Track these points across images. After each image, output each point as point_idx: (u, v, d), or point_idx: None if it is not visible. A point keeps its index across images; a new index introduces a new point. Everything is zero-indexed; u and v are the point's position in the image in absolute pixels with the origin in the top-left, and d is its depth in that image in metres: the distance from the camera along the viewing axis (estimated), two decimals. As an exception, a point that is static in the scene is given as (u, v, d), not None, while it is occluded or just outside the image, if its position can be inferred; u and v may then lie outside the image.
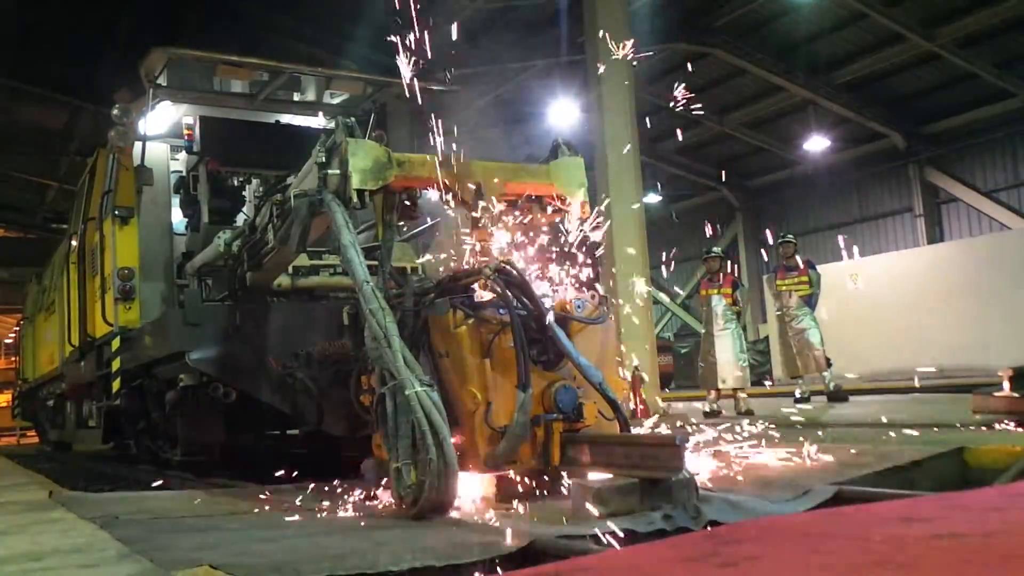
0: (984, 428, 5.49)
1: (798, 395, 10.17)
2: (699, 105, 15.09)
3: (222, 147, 6.87)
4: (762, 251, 21.91)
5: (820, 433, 5.90)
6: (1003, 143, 17.47)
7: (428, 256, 5.79)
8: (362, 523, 3.58)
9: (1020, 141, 17.27)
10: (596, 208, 4.80)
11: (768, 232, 15.72)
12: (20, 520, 3.92)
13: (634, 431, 4.29)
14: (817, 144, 18.14)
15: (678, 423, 7.19)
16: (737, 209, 22.68)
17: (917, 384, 10.67)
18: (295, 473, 4.85)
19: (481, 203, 4.38)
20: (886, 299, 15.38)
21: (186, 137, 6.93)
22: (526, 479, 3.82)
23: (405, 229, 6.73)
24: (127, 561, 2.77)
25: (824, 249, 19.81)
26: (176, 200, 7.26)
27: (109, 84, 7.28)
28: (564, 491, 3.69)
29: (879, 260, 17.02)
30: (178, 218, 7.26)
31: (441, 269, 4.83)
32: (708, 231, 21.95)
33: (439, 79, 7.62)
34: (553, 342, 3.92)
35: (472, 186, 4.44)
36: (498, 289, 3.86)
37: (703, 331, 9.87)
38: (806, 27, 15.03)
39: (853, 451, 4.76)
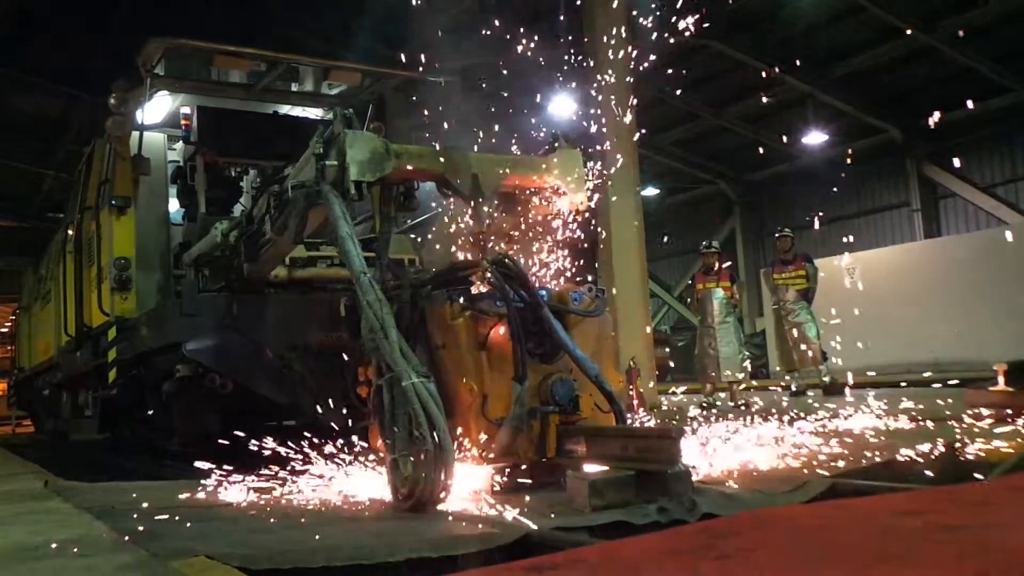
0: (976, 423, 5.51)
1: (794, 388, 10.20)
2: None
3: (219, 137, 6.86)
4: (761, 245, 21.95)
5: (816, 427, 5.91)
6: (1001, 138, 17.45)
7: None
8: (358, 514, 3.58)
9: (1018, 136, 17.25)
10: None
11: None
12: (15, 510, 3.92)
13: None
14: (815, 138, 18.13)
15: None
16: (735, 203, 22.67)
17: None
18: (291, 464, 4.85)
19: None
20: (883, 294, 15.40)
21: (183, 127, 6.92)
22: (522, 471, 3.83)
23: (408, 221, 6.72)
24: (123, 551, 2.77)
25: (821, 243, 19.83)
26: (173, 190, 7.25)
27: (106, 73, 7.24)
28: (560, 483, 3.70)
29: (876, 254, 17.03)
30: (175, 208, 7.25)
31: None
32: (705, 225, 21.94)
33: (436, 70, 7.61)
34: (550, 335, 3.92)
35: (470, 178, 4.44)
36: (495, 281, 3.86)
37: (699, 325, 9.88)
38: (804, 21, 15.01)
39: (849, 444, 4.77)
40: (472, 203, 4.50)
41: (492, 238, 4.56)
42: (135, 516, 3.62)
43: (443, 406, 3.58)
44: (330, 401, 5.12)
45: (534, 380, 3.84)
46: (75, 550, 2.81)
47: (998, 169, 17.76)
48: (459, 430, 3.76)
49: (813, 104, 17.45)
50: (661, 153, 20.69)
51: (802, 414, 6.69)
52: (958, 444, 4.51)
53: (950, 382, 8.73)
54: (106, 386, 6.82)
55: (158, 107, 7.20)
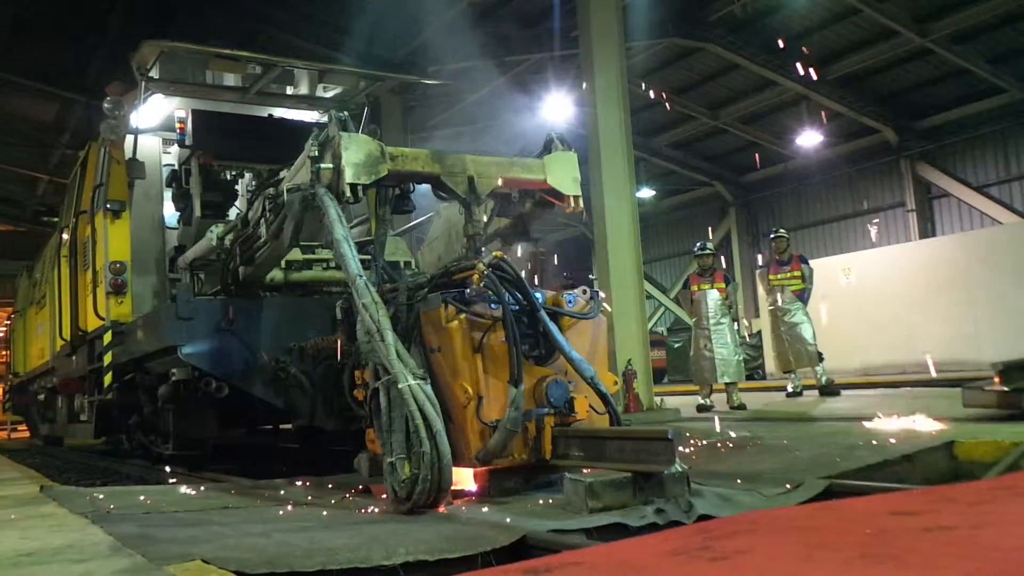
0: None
1: (790, 389, 10.20)
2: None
3: (214, 140, 6.85)
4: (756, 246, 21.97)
5: (811, 427, 5.92)
6: (995, 138, 17.52)
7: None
8: (355, 517, 3.58)
9: (1012, 136, 17.32)
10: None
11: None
12: (10, 515, 3.91)
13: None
14: (810, 139, 18.15)
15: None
16: (731, 204, 22.72)
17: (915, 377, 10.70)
18: (287, 467, 4.85)
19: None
20: (878, 294, 15.42)
21: (178, 130, 6.91)
22: (518, 473, 3.83)
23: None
24: (119, 556, 2.77)
25: (817, 244, 19.88)
26: (168, 194, 7.24)
27: (101, 77, 7.24)
28: (556, 485, 3.70)
29: (871, 255, 17.07)
30: (170, 212, 7.24)
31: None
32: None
33: (432, 74, 7.62)
34: (545, 337, 3.92)
35: (465, 180, 4.44)
36: (491, 284, 3.86)
37: (694, 327, 9.88)
38: (799, 22, 15.06)
39: (844, 445, 4.77)
40: (467, 205, 4.50)
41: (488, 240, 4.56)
42: (131, 520, 3.62)
43: (439, 409, 3.58)
44: (326, 405, 5.11)
45: (529, 382, 3.84)
46: (71, 555, 2.80)
47: (992, 169, 17.82)
48: (455, 433, 3.76)
49: (808, 105, 17.49)
50: (657, 155, 20.73)
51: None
52: (954, 444, 4.51)
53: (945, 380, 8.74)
54: (102, 390, 6.81)
55: (153, 110, 7.19)
